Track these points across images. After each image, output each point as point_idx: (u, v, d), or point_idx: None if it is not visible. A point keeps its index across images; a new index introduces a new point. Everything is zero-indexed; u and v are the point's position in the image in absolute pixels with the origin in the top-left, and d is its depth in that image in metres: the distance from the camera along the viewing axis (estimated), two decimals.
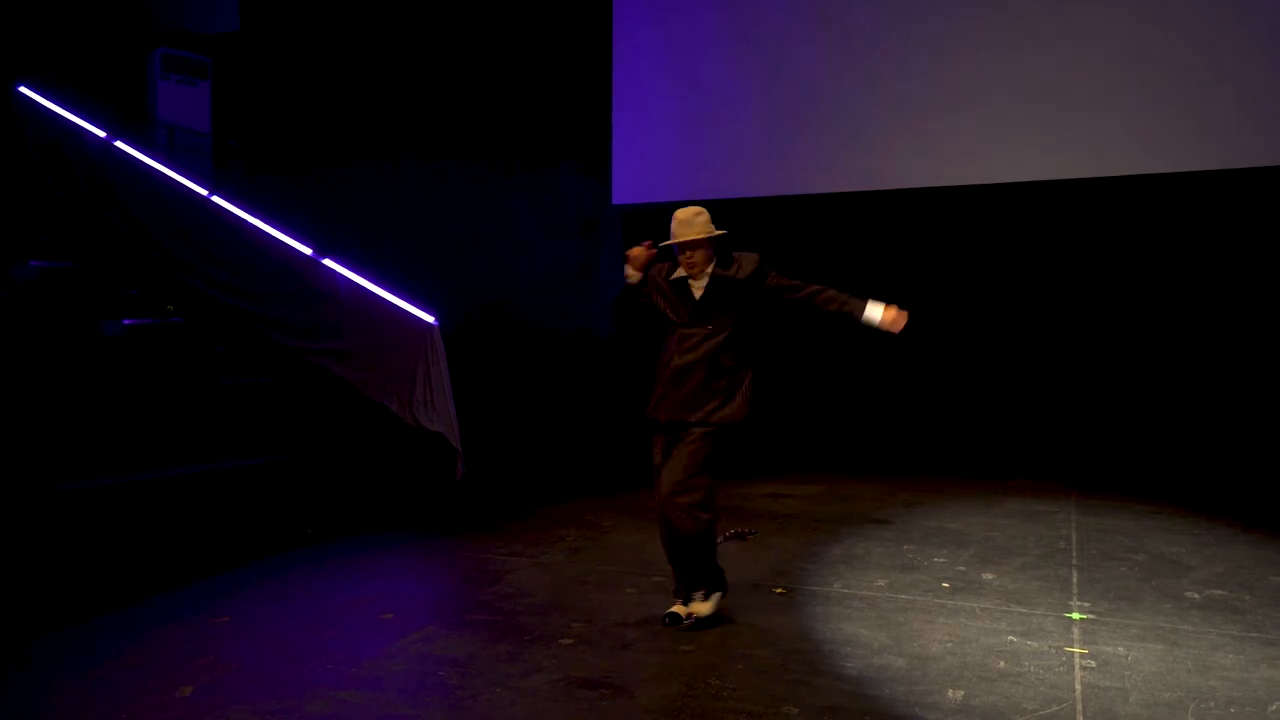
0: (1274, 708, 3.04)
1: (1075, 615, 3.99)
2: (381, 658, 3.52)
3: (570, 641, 3.68)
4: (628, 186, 8.66)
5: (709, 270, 3.77)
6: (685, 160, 8.45)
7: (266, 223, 6.59)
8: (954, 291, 8.10)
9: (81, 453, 4.94)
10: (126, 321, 6.35)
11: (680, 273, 3.79)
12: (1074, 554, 5.01)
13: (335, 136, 9.92)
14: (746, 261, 3.79)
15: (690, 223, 3.73)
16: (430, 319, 6.04)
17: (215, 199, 6.77)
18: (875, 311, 3.70)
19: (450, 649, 3.59)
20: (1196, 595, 4.27)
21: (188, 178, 6.95)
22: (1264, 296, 7.18)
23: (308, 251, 6.42)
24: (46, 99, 7.32)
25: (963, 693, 3.17)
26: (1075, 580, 4.52)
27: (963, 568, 4.75)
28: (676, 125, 8.49)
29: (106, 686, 3.23)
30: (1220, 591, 4.32)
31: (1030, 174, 7.41)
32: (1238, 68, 6.82)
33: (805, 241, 8.45)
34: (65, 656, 3.52)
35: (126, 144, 7.09)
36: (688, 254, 3.74)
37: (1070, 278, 7.76)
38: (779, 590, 4.36)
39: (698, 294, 3.79)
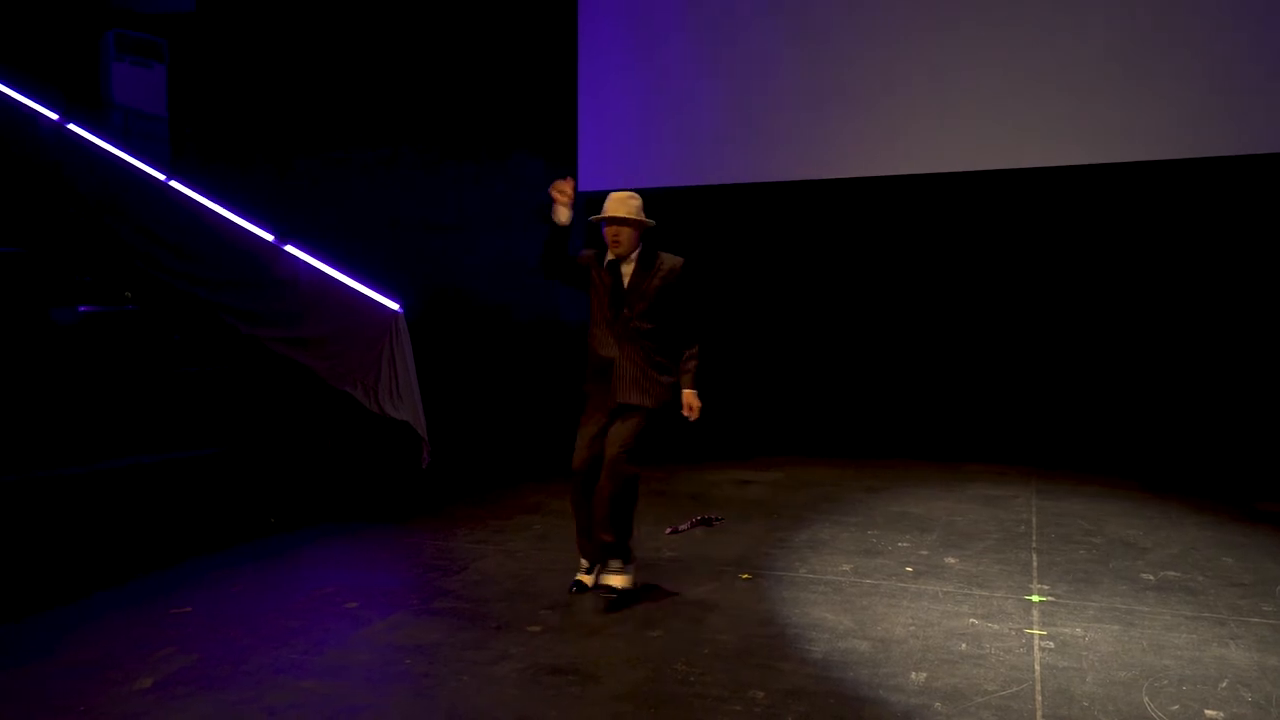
0: (1224, 685, 3.13)
1: (1035, 598, 4.07)
2: (346, 647, 3.49)
3: (538, 629, 3.68)
4: (592, 173, 8.63)
5: (634, 257, 3.96)
6: (649, 147, 8.44)
7: (227, 209, 6.48)
8: (912, 278, 8.18)
9: (34, 443, 4.82)
10: (82, 309, 6.21)
11: (610, 256, 3.97)
12: (1034, 538, 5.10)
13: (294, 123, 9.75)
14: (669, 261, 3.98)
15: (623, 203, 3.94)
16: (395, 305, 5.97)
17: (173, 184, 6.63)
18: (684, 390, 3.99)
19: (416, 637, 3.58)
20: (1151, 577, 4.37)
21: (144, 162, 6.80)
22: (1203, 277, 7.37)
23: (269, 238, 6.32)
24: None
25: (925, 675, 3.22)
26: (1035, 563, 4.61)
27: (925, 552, 4.81)
28: (641, 112, 8.47)
29: (63, 679, 3.17)
30: (1174, 573, 4.43)
31: (982, 163, 7.49)
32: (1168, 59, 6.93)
33: (766, 229, 8.50)
34: (18, 650, 3.45)
35: (80, 127, 6.91)
36: (614, 230, 3.92)
37: (1022, 263, 7.87)
38: (745, 576, 4.39)
39: (625, 281, 3.96)
